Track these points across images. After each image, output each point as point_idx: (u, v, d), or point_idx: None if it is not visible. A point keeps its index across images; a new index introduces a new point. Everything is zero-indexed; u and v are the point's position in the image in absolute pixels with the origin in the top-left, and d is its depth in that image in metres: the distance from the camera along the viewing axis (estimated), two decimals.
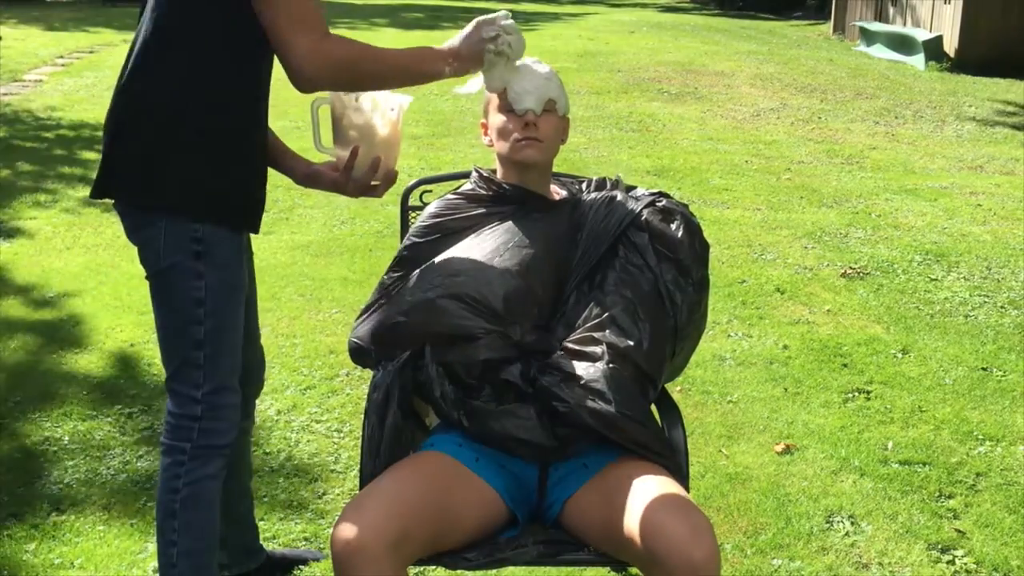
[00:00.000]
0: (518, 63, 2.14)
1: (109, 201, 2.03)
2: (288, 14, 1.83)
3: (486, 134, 2.27)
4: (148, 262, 2.02)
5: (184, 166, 1.93)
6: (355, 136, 2.10)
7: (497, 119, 2.20)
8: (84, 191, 6.07)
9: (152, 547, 2.69)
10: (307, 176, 2.25)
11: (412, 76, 2.00)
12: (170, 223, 1.95)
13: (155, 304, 2.05)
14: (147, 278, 2.04)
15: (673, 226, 2.15)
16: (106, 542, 2.72)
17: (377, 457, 1.98)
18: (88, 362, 3.82)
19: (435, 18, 18.27)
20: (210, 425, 2.04)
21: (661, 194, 2.23)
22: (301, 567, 2.60)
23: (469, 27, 2.02)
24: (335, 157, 2.17)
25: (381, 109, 2.10)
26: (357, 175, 2.12)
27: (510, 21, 2.05)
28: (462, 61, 1.99)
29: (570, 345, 2.04)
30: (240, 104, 1.96)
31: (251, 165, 2.02)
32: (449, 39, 2.02)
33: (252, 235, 2.18)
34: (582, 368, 1.99)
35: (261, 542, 2.56)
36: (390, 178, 2.17)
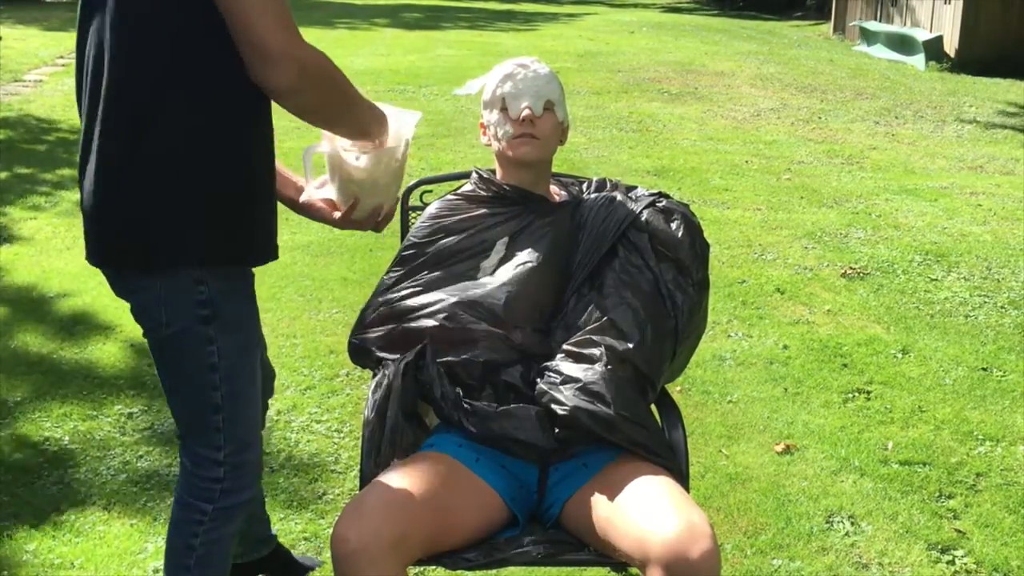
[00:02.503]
0: (516, 71, 2.17)
1: None
2: (262, 9, 1.63)
3: (485, 134, 2.27)
4: (148, 325, 1.86)
5: (178, 221, 1.74)
6: (356, 190, 1.99)
7: (495, 118, 2.20)
8: None
9: (152, 547, 2.69)
10: (297, 205, 2.10)
11: (363, 121, 1.89)
12: (170, 285, 1.78)
13: (162, 366, 1.90)
14: (146, 335, 1.89)
15: (673, 226, 2.15)
16: (106, 542, 2.72)
17: (377, 457, 1.98)
18: (88, 362, 3.82)
19: (435, 18, 18.27)
20: (232, 484, 1.93)
21: (661, 194, 2.23)
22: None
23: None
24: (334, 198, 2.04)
25: (385, 161, 1.97)
26: (357, 218, 2.03)
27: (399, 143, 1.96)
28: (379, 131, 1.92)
29: (569, 347, 2.04)
30: (242, 151, 1.78)
31: (253, 204, 1.84)
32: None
33: None
34: (581, 371, 1.99)
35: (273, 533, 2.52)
36: (389, 217, 2.08)
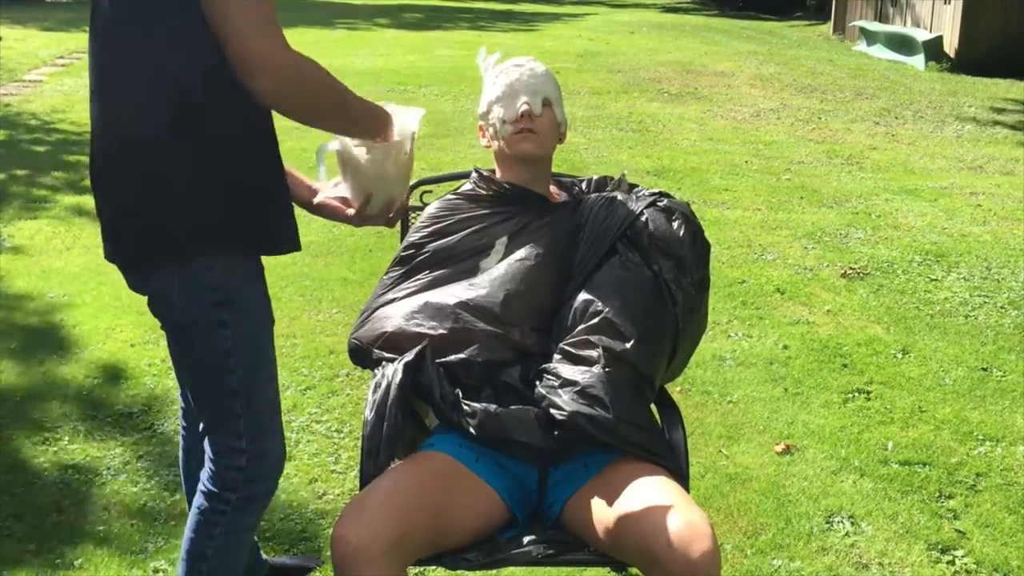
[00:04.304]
0: (513, 70, 2.16)
1: None
2: (247, 14, 1.64)
3: (484, 135, 2.28)
4: (164, 315, 1.89)
5: (184, 211, 1.76)
6: (367, 185, 1.99)
7: (494, 117, 2.21)
8: (84, 192, 6.07)
9: (152, 547, 2.69)
10: (313, 206, 2.10)
11: (359, 120, 1.89)
12: (183, 272, 1.80)
13: (179, 355, 1.93)
14: (163, 328, 1.92)
15: (674, 225, 2.15)
16: (106, 542, 2.72)
17: (377, 457, 1.98)
18: (88, 362, 3.82)
19: (435, 18, 18.27)
20: (255, 472, 1.95)
21: (662, 194, 2.23)
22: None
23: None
24: (347, 195, 2.04)
25: (394, 154, 1.98)
26: (370, 214, 2.02)
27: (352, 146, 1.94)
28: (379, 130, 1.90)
29: (567, 348, 2.03)
30: (239, 135, 1.79)
31: (261, 187, 1.84)
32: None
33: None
34: (579, 373, 1.99)
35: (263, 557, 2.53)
36: (402, 209, 2.08)
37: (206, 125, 1.74)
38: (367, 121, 1.91)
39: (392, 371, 2.03)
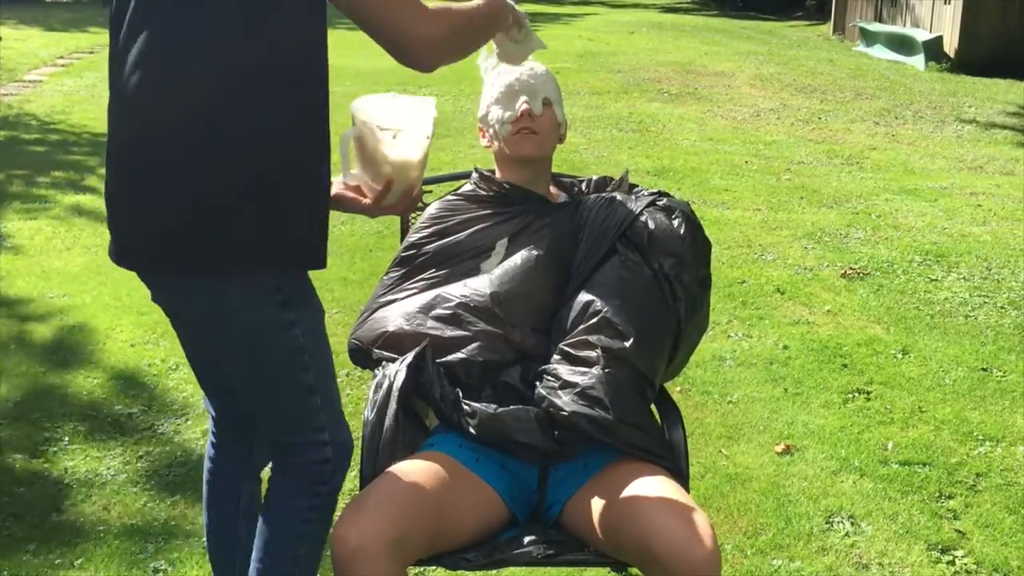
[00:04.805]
0: (513, 70, 2.18)
1: None
2: (403, 11, 1.78)
3: (484, 136, 2.28)
4: (220, 326, 1.79)
5: (250, 213, 1.68)
6: (389, 171, 1.95)
7: (494, 117, 2.21)
8: (84, 192, 6.07)
9: (152, 547, 2.69)
10: (330, 199, 2.03)
11: (493, 29, 2.00)
12: (244, 281, 1.72)
13: (245, 364, 1.83)
14: (212, 339, 1.84)
15: (674, 224, 2.15)
16: (106, 542, 2.72)
17: (377, 457, 1.98)
18: (88, 362, 3.82)
19: None
20: (340, 462, 1.89)
21: (662, 193, 2.23)
22: None
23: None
24: (363, 184, 2.00)
25: (418, 139, 1.98)
26: (389, 203, 1.97)
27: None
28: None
29: (566, 348, 2.03)
30: (305, 132, 1.76)
31: (323, 193, 1.81)
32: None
33: None
34: (579, 374, 1.98)
35: None
36: (418, 198, 2.05)
37: (275, 131, 1.71)
38: (497, 22, 1.99)
39: (393, 371, 2.04)
